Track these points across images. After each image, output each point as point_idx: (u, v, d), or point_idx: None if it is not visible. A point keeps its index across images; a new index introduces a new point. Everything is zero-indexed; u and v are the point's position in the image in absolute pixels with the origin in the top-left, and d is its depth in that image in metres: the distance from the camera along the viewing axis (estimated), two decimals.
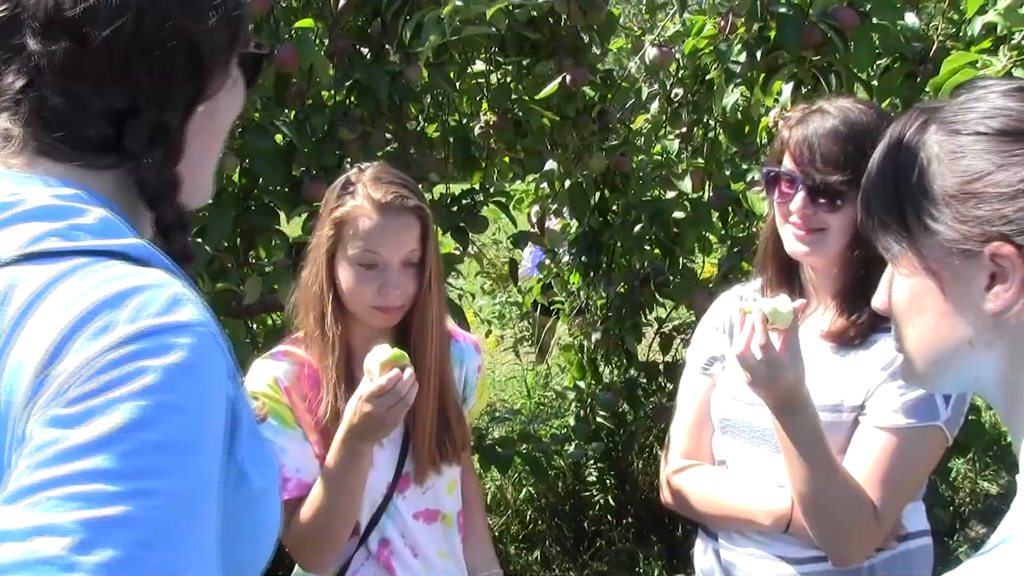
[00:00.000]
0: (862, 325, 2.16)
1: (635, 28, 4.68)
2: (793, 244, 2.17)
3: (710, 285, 4.18)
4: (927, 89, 3.01)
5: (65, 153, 1.13)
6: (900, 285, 1.21)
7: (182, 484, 0.94)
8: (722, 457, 2.31)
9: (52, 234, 1.05)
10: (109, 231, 1.09)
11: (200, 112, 1.20)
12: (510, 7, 3.27)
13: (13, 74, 1.13)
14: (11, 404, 0.96)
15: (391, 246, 2.24)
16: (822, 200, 2.10)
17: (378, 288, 2.24)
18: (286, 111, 3.50)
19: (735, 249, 4.21)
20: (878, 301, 1.27)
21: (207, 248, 3.24)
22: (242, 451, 1.09)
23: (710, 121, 4.31)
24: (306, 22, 3.46)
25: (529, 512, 5.17)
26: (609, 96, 4.12)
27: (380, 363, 2.11)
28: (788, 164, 2.17)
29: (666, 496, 2.38)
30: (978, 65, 2.71)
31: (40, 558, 0.86)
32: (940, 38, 3.30)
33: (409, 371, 2.12)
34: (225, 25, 1.19)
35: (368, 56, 3.69)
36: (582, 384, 5.01)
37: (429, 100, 4.28)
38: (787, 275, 2.29)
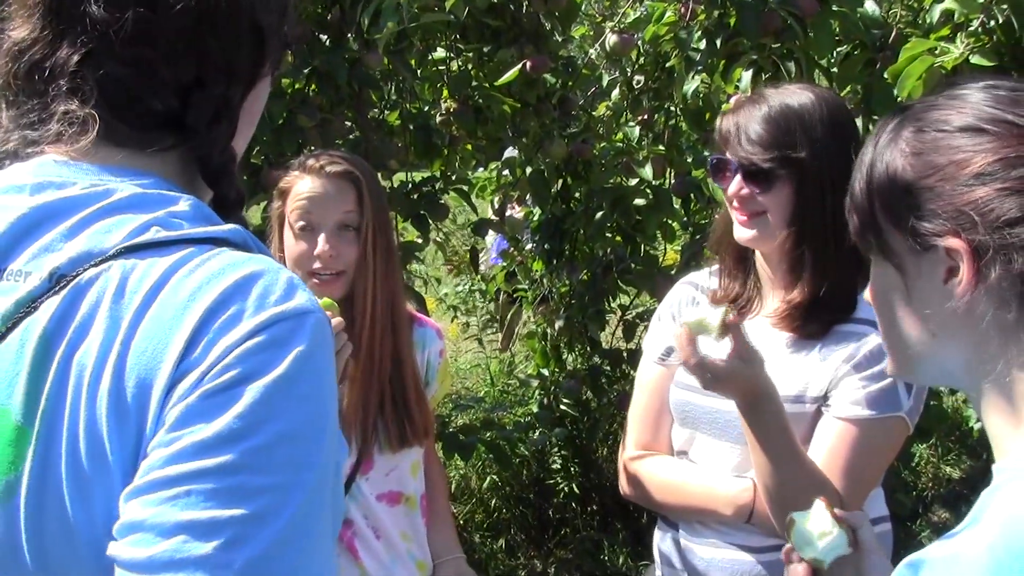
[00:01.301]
0: (801, 308, 2.15)
1: (596, 15, 4.67)
2: (739, 230, 2.18)
3: (672, 272, 4.18)
4: (886, 76, 3.01)
5: (128, 136, 1.10)
6: (873, 279, 1.24)
7: (312, 476, 0.95)
8: (682, 447, 2.31)
9: (154, 223, 1.04)
10: (203, 217, 1.09)
11: (253, 91, 1.19)
12: None
13: (68, 47, 1.08)
14: (148, 388, 0.96)
15: (323, 207, 2.34)
16: (754, 182, 2.12)
17: (315, 250, 2.32)
18: None
19: (697, 236, 4.22)
20: (867, 293, 1.30)
21: None
22: None
23: (671, 108, 4.31)
24: None
25: (493, 500, 5.17)
26: (570, 83, 4.11)
27: None
28: (722, 149, 2.20)
29: (624, 486, 2.38)
30: (936, 52, 2.72)
31: (190, 558, 0.88)
32: (899, 25, 3.31)
33: (338, 321, 2.13)
34: (280, 5, 1.19)
35: (327, 43, 3.66)
36: (545, 372, 5.01)
37: (389, 87, 4.25)
38: (742, 262, 2.29)
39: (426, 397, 2.49)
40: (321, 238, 2.33)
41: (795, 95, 2.14)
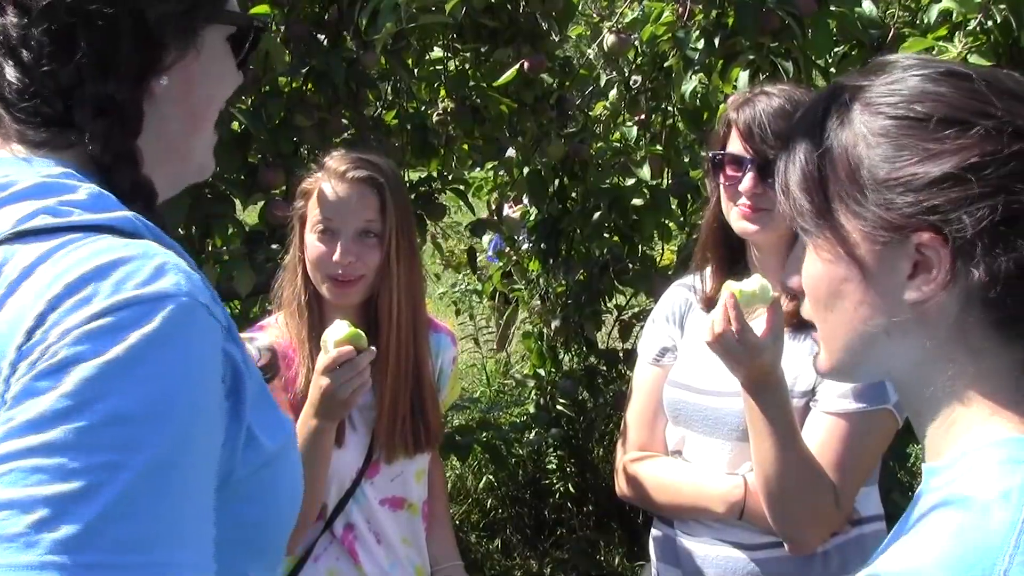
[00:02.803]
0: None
1: (593, 15, 4.66)
2: (742, 223, 2.18)
3: (669, 272, 4.18)
4: None
5: (37, 131, 1.14)
6: (817, 268, 1.17)
7: (149, 455, 0.93)
8: (675, 447, 2.31)
9: (42, 211, 1.06)
10: (99, 205, 1.09)
11: (163, 85, 1.19)
12: None
13: None
14: None
15: (344, 212, 2.32)
16: (771, 178, 2.11)
17: (334, 255, 2.29)
18: (242, 97, 3.46)
19: (694, 236, 4.20)
20: (790, 279, 1.25)
21: None
22: (250, 414, 1.10)
23: (669, 108, 4.31)
24: (262, 8, 3.42)
25: (489, 500, 5.17)
26: (567, 83, 4.10)
27: (335, 340, 2.13)
28: (736, 145, 2.18)
29: (621, 486, 2.38)
30: (934, 52, 2.73)
31: (4, 535, 0.88)
32: (897, 25, 3.31)
33: (368, 352, 2.13)
34: None
35: (324, 42, 3.66)
36: (542, 372, 5.01)
37: (387, 87, 4.25)
38: (732, 262, 2.30)
39: (439, 403, 2.49)
40: (340, 244, 2.30)
41: (798, 92, 2.17)
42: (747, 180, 2.15)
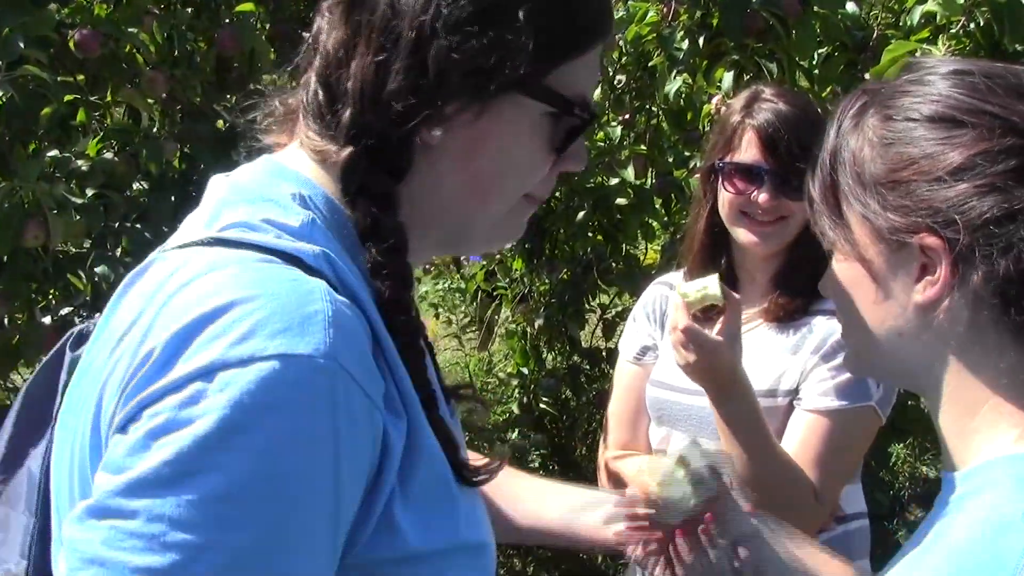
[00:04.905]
0: (797, 305, 2.17)
1: None
2: (750, 238, 2.16)
3: (652, 271, 4.18)
4: (867, 77, 3.03)
5: (316, 146, 1.13)
6: (835, 270, 1.18)
7: (243, 536, 0.90)
8: (660, 445, 2.31)
9: (241, 224, 1.04)
10: (301, 234, 1.05)
11: (438, 136, 1.12)
12: None
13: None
14: (105, 382, 0.98)
15: None
16: (789, 188, 2.10)
17: None
18: (227, 96, 3.45)
19: (678, 236, 4.22)
20: (822, 286, 1.25)
21: (147, 235, 3.19)
22: (397, 499, 1.02)
23: (653, 108, 4.31)
24: (247, 6, 3.42)
25: None
26: None
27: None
28: (750, 154, 2.15)
29: (603, 484, 2.38)
30: (917, 54, 2.74)
31: None
32: (880, 27, 3.33)
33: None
34: (506, 52, 1.10)
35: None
36: (525, 370, 5.01)
37: None
38: (711, 261, 2.28)
39: None
40: None
41: (797, 96, 2.16)
42: (764, 192, 2.12)
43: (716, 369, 1.98)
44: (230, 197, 1.10)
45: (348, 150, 1.08)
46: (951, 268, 1.03)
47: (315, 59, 1.12)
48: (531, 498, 1.74)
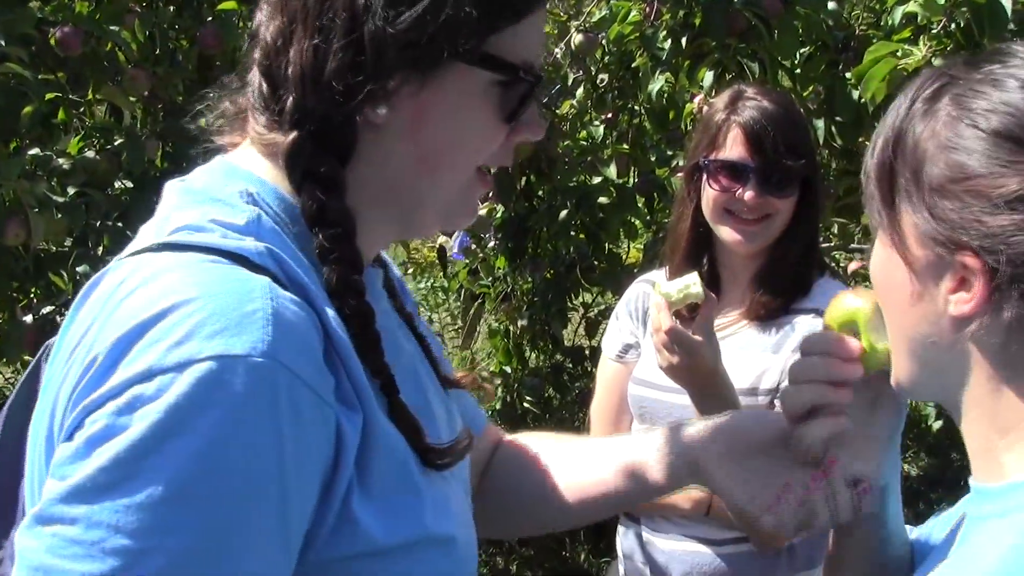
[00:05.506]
0: (779, 304, 2.18)
1: (561, 14, 4.67)
2: (735, 237, 2.16)
3: (635, 270, 4.19)
4: (849, 77, 3.04)
5: (263, 139, 1.13)
6: (878, 253, 1.12)
7: (183, 539, 0.90)
8: None
9: (187, 227, 1.03)
10: (247, 231, 1.04)
11: (383, 114, 1.11)
12: None
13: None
14: (58, 392, 0.99)
15: None
16: (775, 186, 2.11)
17: None
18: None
19: (660, 234, 4.23)
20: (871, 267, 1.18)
21: (129, 233, 3.18)
22: (355, 493, 1.01)
23: (635, 107, 4.32)
24: (229, 4, 3.41)
25: None
26: None
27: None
28: (736, 152, 2.15)
29: None
30: (899, 55, 2.75)
31: None
32: (862, 27, 3.34)
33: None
34: (440, 21, 1.09)
35: None
36: (508, 369, 5.01)
37: None
38: (694, 259, 2.28)
39: None
40: None
41: (779, 94, 2.17)
42: (750, 189, 2.12)
43: (696, 369, 1.98)
44: (181, 201, 1.09)
45: (292, 135, 1.08)
46: (986, 294, 0.98)
47: (256, 52, 1.12)
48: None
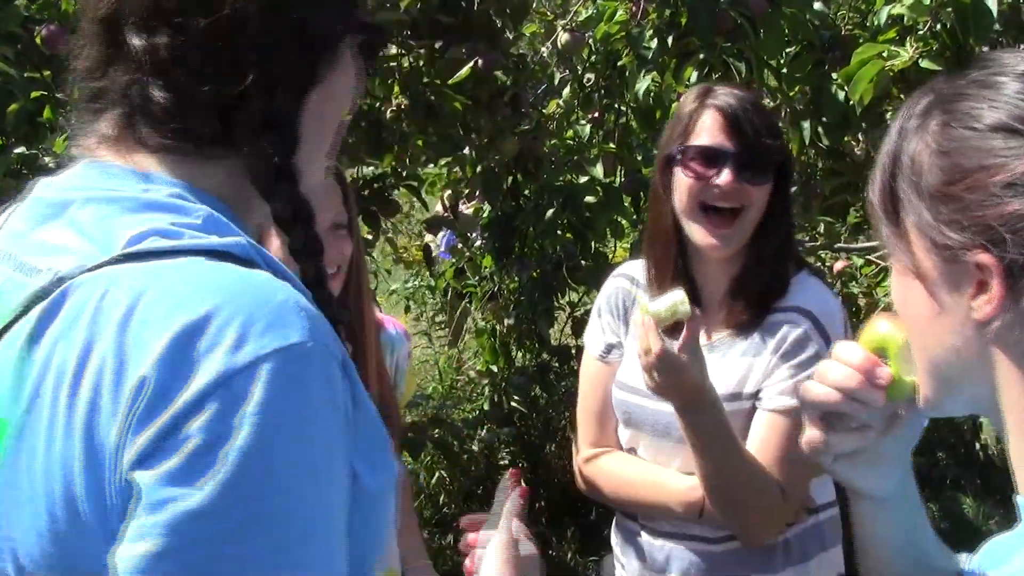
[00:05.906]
0: (757, 308, 2.17)
1: (547, 13, 4.68)
2: (707, 240, 2.12)
3: None
4: (835, 77, 3.05)
5: (172, 147, 1.09)
6: (895, 282, 1.11)
7: (292, 532, 0.93)
8: (629, 444, 2.31)
9: (153, 233, 1.02)
10: (214, 228, 1.05)
11: (313, 99, 1.13)
12: None
13: (118, 71, 1.09)
14: (98, 409, 0.94)
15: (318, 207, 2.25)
16: (751, 171, 2.09)
17: None
18: None
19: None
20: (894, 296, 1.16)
21: None
22: (356, 449, 1.04)
23: (622, 106, 4.33)
24: None
25: (442, 496, 5.17)
26: (519, 79, 4.11)
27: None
28: (711, 136, 2.11)
29: (581, 484, 2.38)
30: (885, 56, 2.76)
31: None
32: (848, 27, 3.35)
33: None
34: (337, 6, 1.14)
35: None
36: (495, 368, 5.01)
37: None
38: (672, 258, 2.23)
39: (397, 400, 2.47)
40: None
41: (748, 91, 2.18)
42: (725, 174, 2.07)
43: (683, 386, 1.98)
44: (105, 210, 1.06)
45: (258, 139, 1.09)
46: (1003, 287, 0.96)
47: (146, 65, 1.09)
48: None
